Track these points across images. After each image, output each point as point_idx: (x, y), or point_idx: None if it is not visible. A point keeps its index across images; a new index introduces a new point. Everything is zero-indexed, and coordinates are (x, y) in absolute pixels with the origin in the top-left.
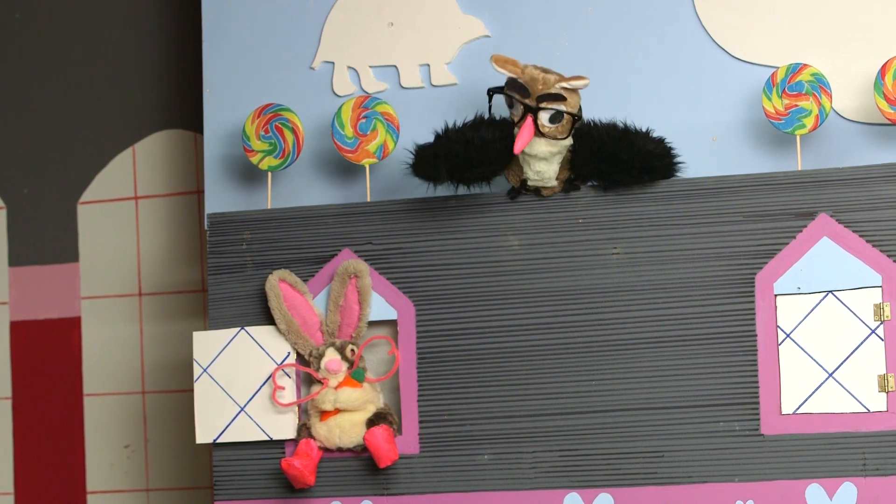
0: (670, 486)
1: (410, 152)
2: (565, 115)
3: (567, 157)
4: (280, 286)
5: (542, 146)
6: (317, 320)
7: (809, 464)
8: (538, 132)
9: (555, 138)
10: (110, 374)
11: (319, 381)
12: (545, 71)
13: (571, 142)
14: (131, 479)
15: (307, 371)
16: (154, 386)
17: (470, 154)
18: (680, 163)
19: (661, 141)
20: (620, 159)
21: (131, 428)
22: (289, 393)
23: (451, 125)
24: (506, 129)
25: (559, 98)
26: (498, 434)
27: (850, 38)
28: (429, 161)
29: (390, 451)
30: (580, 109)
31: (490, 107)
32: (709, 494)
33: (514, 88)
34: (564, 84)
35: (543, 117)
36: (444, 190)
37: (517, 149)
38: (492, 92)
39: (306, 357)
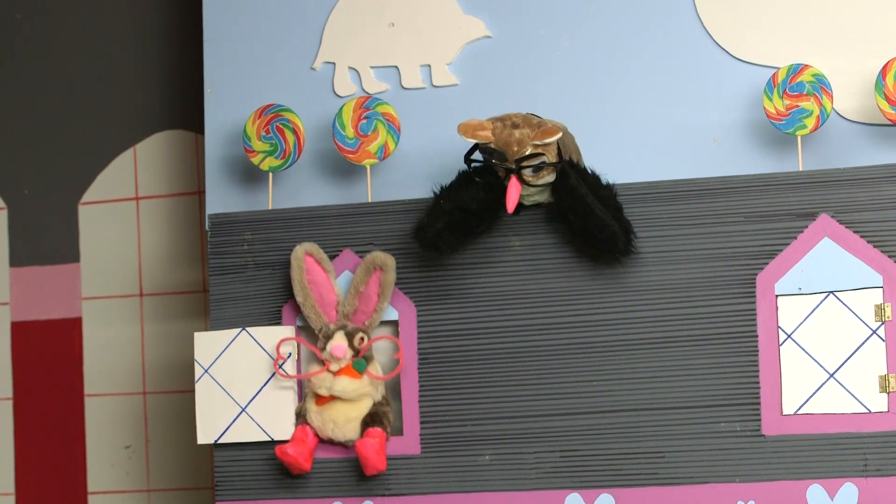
0: (671, 487)
1: (413, 227)
2: (546, 163)
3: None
4: (305, 259)
5: (532, 189)
6: (334, 299)
7: (810, 464)
8: (524, 184)
9: (541, 183)
10: (111, 374)
11: (321, 362)
12: (514, 125)
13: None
14: (132, 480)
15: (311, 349)
16: (155, 386)
17: (469, 221)
18: (631, 246)
19: (611, 227)
20: (572, 225)
21: (132, 428)
22: (289, 371)
23: (439, 191)
24: (494, 180)
25: (536, 156)
26: (499, 434)
27: (850, 39)
28: (434, 241)
29: (378, 462)
30: (559, 152)
31: (471, 168)
32: (710, 495)
33: (490, 156)
34: (537, 142)
35: (526, 172)
36: None
37: (510, 209)
38: (469, 160)
39: (316, 332)
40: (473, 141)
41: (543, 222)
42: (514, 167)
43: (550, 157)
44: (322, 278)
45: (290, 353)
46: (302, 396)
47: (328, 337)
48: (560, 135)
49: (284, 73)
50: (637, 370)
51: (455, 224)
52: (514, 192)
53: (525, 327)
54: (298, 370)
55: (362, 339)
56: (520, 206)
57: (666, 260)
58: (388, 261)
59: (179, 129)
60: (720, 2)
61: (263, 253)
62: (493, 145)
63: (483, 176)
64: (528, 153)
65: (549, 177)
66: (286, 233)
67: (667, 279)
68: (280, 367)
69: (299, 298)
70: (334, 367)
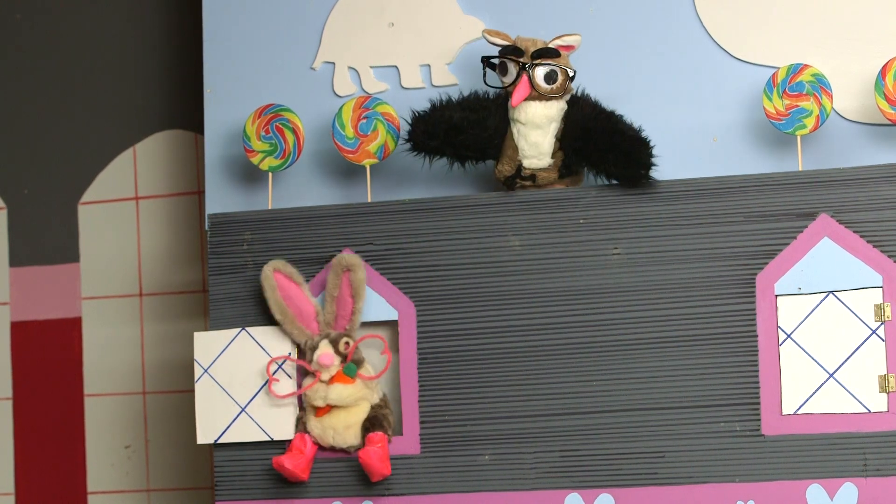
0: (671, 487)
1: (407, 122)
2: (559, 72)
3: (561, 130)
4: (275, 276)
5: (538, 109)
6: (312, 310)
7: (810, 464)
8: (534, 93)
9: (550, 98)
10: (111, 374)
11: (313, 374)
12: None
13: (566, 106)
14: (132, 480)
15: (301, 363)
16: (155, 386)
17: (465, 117)
18: (654, 158)
19: (640, 132)
20: (599, 141)
21: (132, 428)
22: (284, 385)
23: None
24: (500, 100)
25: (553, 54)
26: (499, 434)
27: (850, 39)
28: (426, 127)
29: (383, 469)
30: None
31: (485, 74)
32: (709, 495)
33: (508, 51)
34: (558, 41)
35: (539, 75)
36: (444, 188)
37: (515, 100)
38: (486, 60)
39: (302, 347)
40: (496, 41)
41: (543, 222)
42: (528, 62)
43: (565, 67)
44: (295, 292)
45: (291, 353)
46: (301, 405)
47: (314, 348)
48: (580, 38)
49: (284, 73)
50: (636, 370)
51: (446, 120)
52: (521, 88)
53: (524, 327)
54: (298, 382)
55: (347, 343)
56: (515, 178)
57: (665, 260)
58: (355, 260)
59: (179, 129)
60: (720, 2)
61: (263, 253)
62: (512, 44)
63: (487, 97)
64: (546, 47)
65: (557, 95)
66: (286, 233)
67: (666, 279)
68: (273, 382)
69: (278, 317)
70: (325, 376)
